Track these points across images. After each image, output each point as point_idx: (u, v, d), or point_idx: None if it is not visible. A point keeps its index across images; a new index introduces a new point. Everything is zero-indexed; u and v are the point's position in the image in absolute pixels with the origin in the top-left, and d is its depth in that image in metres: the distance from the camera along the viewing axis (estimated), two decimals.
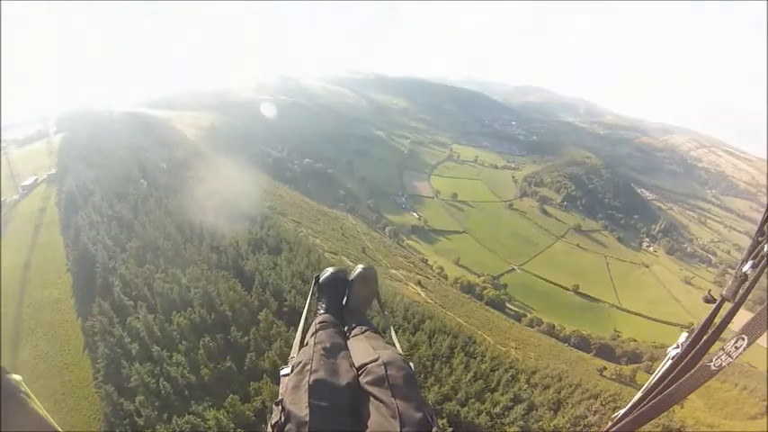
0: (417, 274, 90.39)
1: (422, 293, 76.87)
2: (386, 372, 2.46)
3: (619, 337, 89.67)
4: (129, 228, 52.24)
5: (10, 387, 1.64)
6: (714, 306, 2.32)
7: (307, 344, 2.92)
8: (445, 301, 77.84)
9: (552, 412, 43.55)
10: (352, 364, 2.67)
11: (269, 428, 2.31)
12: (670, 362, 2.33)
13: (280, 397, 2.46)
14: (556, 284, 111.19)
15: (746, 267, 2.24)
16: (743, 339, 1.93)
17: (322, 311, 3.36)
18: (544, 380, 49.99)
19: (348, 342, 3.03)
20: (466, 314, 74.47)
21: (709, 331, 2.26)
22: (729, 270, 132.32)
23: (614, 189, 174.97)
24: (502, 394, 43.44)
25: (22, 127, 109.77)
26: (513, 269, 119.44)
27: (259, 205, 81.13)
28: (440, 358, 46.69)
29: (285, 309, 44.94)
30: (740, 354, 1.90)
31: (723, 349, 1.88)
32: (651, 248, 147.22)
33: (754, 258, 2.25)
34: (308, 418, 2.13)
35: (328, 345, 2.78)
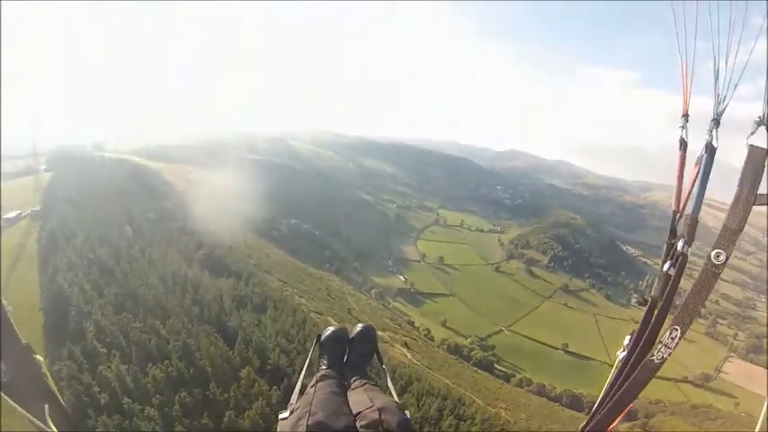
0: (404, 335, 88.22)
1: (408, 355, 74.83)
2: (380, 416, 2.55)
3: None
4: (110, 274, 50.31)
5: (34, 364, 1.90)
6: (647, 307, 2.66)
7: (307, 393, 2.99)
8: (432, 363, 75.85)
9: None
10: (350, 411, 2.74)
11: None
12: (620, 365, 2.56)
13: None
14: (544, 344, 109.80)
15: (666, 267, 2.64)
16: (676, 330, 2.33)
17: (324, 367, 3.43)
18: None
19: (348, 393, 3.11)
20: (454, 375, 72.42)
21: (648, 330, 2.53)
22: (719, 320, 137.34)
23: (600, 248, 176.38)
24: None
25: (14, 161, 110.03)
26: (501, 330, 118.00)
27: (245, 262, 79.98)
28: (428, 421, 44.54)
29: (268, 367, 43.00)
30: (677, 342, 2.31)
31: (661, 342, 2.27)
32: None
33: (671, 258, 2.63)
34: None
35: (328, 393, 2.88)
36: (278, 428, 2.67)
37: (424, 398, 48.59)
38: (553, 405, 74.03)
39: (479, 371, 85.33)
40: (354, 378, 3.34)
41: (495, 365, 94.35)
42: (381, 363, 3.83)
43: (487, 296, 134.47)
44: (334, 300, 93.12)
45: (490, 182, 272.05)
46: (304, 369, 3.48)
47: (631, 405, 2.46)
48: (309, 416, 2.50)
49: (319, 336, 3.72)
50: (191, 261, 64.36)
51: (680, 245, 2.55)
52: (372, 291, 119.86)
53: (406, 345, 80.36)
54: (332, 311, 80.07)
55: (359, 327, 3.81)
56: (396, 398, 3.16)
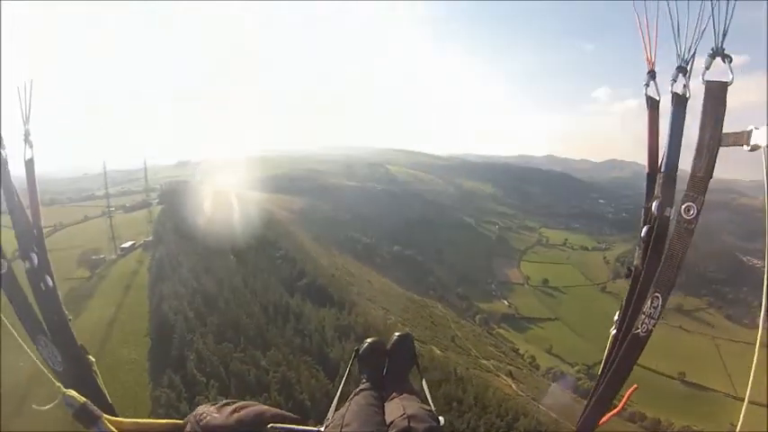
0: (508, 364, 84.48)
1: (513, 385, 71.81)
2: (409, 424, 2.53)
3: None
4: (213, 302, 51.23)
5: (86, 363, 1.94)
6: (631, 278, 2.51)
7: (343, 406, 2.89)
8: (537, 394, 71.62)
9: None
10: (383, 421, 2.73)
11: None
12: (611, 343, 2.46)
13: None
14: (658, 373, 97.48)
15: (644, 232, 2.48)
16: (657, 297, 2.21)
17: (364, 380, 3.39)
18: None
19: (385, 404, 3.07)
20: (559, 407, 68.68)
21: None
22: None
23: (716, 261, 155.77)
24: None
25: (131, 196, 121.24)
26: None
27: (347, 290, 79.86)
28: None
29: None
30: (660, 311, 2.18)
31: (644, 313, 2.14)
32: None
33: (648, 223, 2.47)
34: None
35: (363, 405, 2.85)
36: None
37: None
38: None
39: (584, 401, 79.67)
40: (393, 390, 3.29)
41: None
42: (420, 372, 3.80)
43: (594, 319, 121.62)
44: (438, 327, 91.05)
45: (592, 196, 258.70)
46: (341, 384, 3.44)
47: (634, 390, 2.47)
48: (342, 427, 2.50)
49: (357, 350, 3.69)
50: (293, 290, 64.61)
51: (654, 206, 2.46)
52: (476, 317, 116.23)
53: (510, 374, 77.11)
54: (435, 340, 78.45)
55: (395, 336, 3.80)
56: (431, 405, 3.08)
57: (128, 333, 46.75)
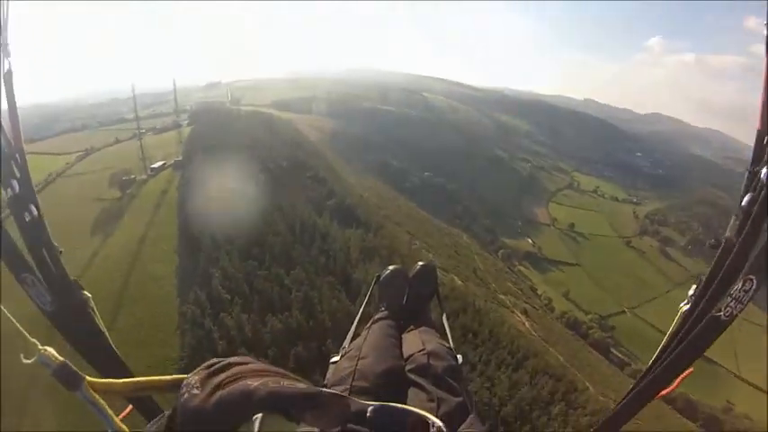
0: (525, 302, 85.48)
1: (527, 324, 72.52)
2: (428, 360, 2.49)
3: (731, 410, 77.03)
4: (240, 221, 50.61)
5: (81, 300, 1.76)
6: (718, 251, 2.16)
7: (360, 336, 2.88)
8: (549, 336, 72.74)
9: None
10: (401, 354, 2.69)
11: None
12: (681, 319, 2.15)
13: (324, 382, 2.45)
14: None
15: (745, 201, 2.13)
16: (751, 281, 1.87)
17: (383, 308, 3.36)
18: None
19: (403, 336, 3.04)
20: (568, 353, 69.09)
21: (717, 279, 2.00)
22: None
23: None
24: None
25: (161, 118, 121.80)
26: (624, 312, 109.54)
27: (375, 213, 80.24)
28: (539, 404, 41.94)
29: None
30: (751, 297, 1.84)
31: (731, 295, 1.78)
32: None
33: (753, 191, 2.11)
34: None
35: (381, 335, 2.82)
36: (327, 373, 2.61)
37: (538, 376, 46.17)
38: (665, 407, 68.31)
39: (595, 352, 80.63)
40: (412, 321, 3.26)
41: (612, 349, 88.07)
42: (441, 305, 3.76)
43: (615, 272, 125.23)
44: (461, 257, 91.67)
45: (629, 147, 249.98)
46: (360, 312, 3.38)
47: (691, 370, 2.07)
48: (358, 360, 2.44)
49: (378, 276, 3.64)
50: (320, 210, 64.56)
51: (765, 173, 2.06)
52: (500, 251, 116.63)
53: (525, 312, 77.94)
54: (457, 269, 79.01)
55: (418, 265, 3.71)
56: (450, 342, 3.06)
57: (157, 250, 47.79)
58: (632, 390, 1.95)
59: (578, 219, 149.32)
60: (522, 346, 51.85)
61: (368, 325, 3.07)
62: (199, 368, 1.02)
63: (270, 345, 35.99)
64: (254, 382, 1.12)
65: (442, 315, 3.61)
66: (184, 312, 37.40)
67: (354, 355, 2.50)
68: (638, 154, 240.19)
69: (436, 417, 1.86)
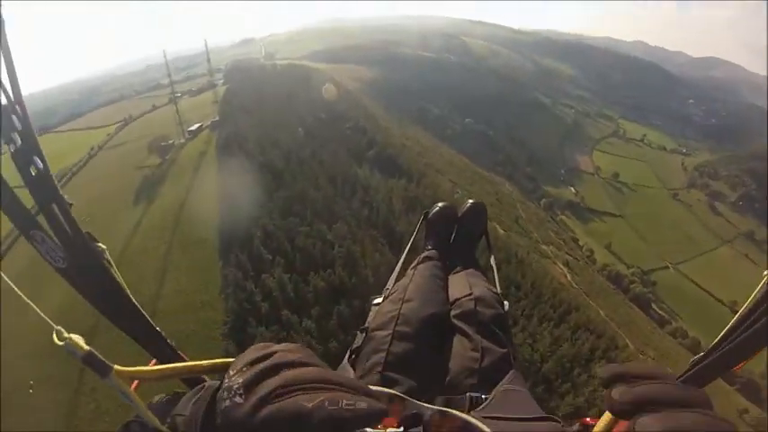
0: (567, 253, 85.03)
1: (568, 276, 71.93)
2: (475, 307, 2.42)
3: None
4: (280, 177, 50.15)
5: (95, 253, 1.53)
6: None
7: (406, 275, 2.82)
8: (590, 289, 72.01)
9: None
10: (447, 299, 2.62)
11: (347, 354, 2.20)
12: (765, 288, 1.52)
13: (366, 324, 2.37)
14: (711, 295, 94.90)
15: None
16: None
17: (429, 247, 3.25)
18: None
19: (450, 277, 2.97)
20: (609, 307, 68.09)
21: None
22: None
23: None
24: None
25: (195, 80, 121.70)
26: (667, 267, 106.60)
27: (417, 161, 79.16)
28: (579, 361, 41.30)
29: None
30: None
31: None
32: None
33: None
34: (387, 345, 2.07)
35: (427, 277, 2.74)
36: (369, 316, 2.52)
37: (579, 332, 45.62)
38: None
39: (635, 307, 79.38)
40: (458, 261, 3.20)
41: (653, 305, 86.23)
42: (489, 245, 3.64)
43: (659, 225, 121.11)
44: (503, 206, 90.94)
45: (681, 93, 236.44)
46: (406, 249, 3.29)
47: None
48: (403, 303, 2.38)
49: (426, 212, 3.51)
50: (361, 161, 63.96)
51: None
52: (542, 200, 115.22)
53: (567, 264, 77.27)
54: (499, 218, 78.27)
55: (468, 203, 3.55)
56: (498, 287, 2.93)
57: (199, 213, 47.25)
58: (700, 362, 1.57)
59: (623, 168, 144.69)
60: (563, 299, 51.24)
61: (414, 264, 3.00)
62: (241, 363, 0.88)
63: (313, 304, 35.58)
64: (309, 402, 0.84)
65: (490, 257, 3.51)
66: (226, 275, 37.29)
67: (399, 298, 2.44)
68: (691, 101, 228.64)
69: (479, 367, 2.05)
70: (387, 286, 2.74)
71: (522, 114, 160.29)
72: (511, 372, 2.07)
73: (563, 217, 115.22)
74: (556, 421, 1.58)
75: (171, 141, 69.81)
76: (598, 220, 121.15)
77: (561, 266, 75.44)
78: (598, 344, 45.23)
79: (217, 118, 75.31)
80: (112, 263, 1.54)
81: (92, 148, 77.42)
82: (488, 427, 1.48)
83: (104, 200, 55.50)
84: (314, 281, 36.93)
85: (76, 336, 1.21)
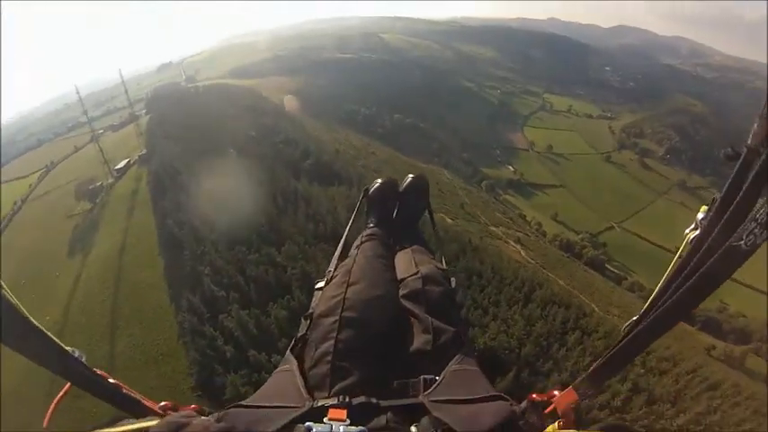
0: (516, 230, 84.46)
1: (522, 252, 72.14)
2: (423, 286, 2.38)
3: (726, 309, 77.61)
4: (219, 204, 46.57)
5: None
6: (738, 163, 1.53)
7: (350, 255, 2.75)
8: (546, 261, 71.86)
9: (672, 406, 36.10)
10: (394, 278, 2.56)
11: (291, 343, 2.15)
12: (690, 248, 1.64)
13: (310, 310, 2.32)
14: (657, 245, 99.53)
15: None
16: None
17: (371, 225, 3.21)
18: (660, 364, 41.49)
19: (395, 255, 2.92)
20: (567, 276, 68.04)
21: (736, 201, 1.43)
22: None
23: (725, 141, 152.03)
24: (620, 382, 35.66)
25: (117, 113, 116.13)
26: (613, 227, 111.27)
27: (353, 165, 77.73)
28: (555, 336, 39.68)
29: None
30: None
31: (755, 220, 1.35)
32: None
33: None
34: (335, 333, 1.99)
35: (371, 257, 2.65)
36: (312, 300, 2.43)
37: (548, 308, 43.59)
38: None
39: (590, 270, 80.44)
40: (403, 238, 3.13)
41: (607, 265, 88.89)
42: (433, 221, 3.62)
43: (598, 189, 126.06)
44: (446, 195, 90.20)
45: (598, 62, 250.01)
46: (347, 229, 3.19)
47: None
48: (348, 286, 2.24)
49: (367, 189, 3.48)
50: (298, 173, 61.42)
51: None
52: (482, 183, 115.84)
53: (519, 241, 76.82)
54: (445, 208, 77.54)
55: (409, 178, 3.55)
56: (443, 262, 2.93)
57: (140, 256, 44.49)
58: (636, 327, 1.52)
59: (555, 140, 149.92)
60: (525, 278, 50.75)
61: (356, 243, 2.87)
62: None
63: (279, 336, 33.01)
64: None
65: (434, 232, 3.51)
66: (181, 322, 34.59)
67: (343, 281, 2.30)
68: (607, 68, 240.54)
69: (432, 348, 2.04)
70: (329, 268, 2.65)
71: (450, 102, 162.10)
72: (461, 350, 2.01)
73: (506, 196, 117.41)
74: (505, 400, 1.61)
75: (99, 183, 65.51)
76: (540, 193, 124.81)
77: (514, 245, 75.47)
78: (568, 315, 43.87)
79: (144, 151, 70.93)
80: (7, 290, 1.50)
81: (15, 203, 72.06)
82: (436, 412, 1.53)
83: (37, 257, 51.71)
84: (274, 311, 34.67)
85: None
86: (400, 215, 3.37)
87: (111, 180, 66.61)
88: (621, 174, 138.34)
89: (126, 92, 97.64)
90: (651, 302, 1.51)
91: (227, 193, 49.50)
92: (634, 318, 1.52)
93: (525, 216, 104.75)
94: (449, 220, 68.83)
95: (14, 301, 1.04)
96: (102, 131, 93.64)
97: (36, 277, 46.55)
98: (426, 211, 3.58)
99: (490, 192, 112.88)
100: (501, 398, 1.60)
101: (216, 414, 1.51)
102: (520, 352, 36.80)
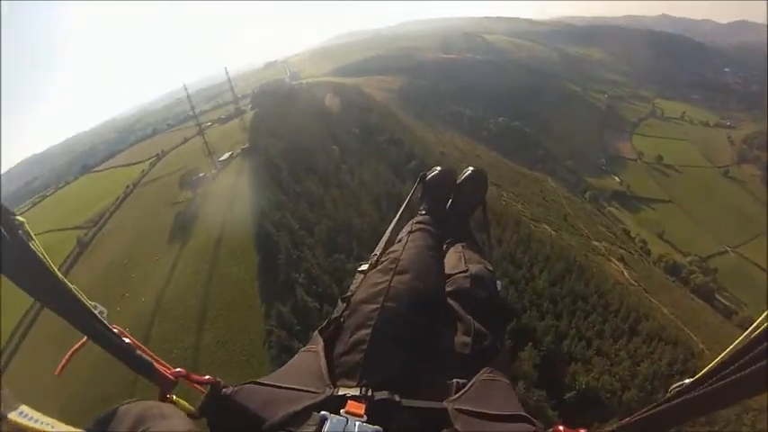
0: (620, 247, 79.15)
1: (625, 272, 67.97)
2: (470, 285, 2.32)
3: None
4: (320, 205, 45.38)
5: (12, 226, 1.43)
6: None
7: (399, 241, 2.63)
8: (649, 284, 65.93)
9: None
10: (442, 272, 2.48)
11: (324, 323, 2.05)
12: None
13: (349, 293, 2.23)
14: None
15: None
16: None
17: (423, 212, 3.08)
18: None
19: (445, 248, 2.86)
20: (671, 303, 61.86)
21: None
22: None
23: None
24: None
25: (226, 107, 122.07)
26: (726, 251, 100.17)
27: (458, 168, 76.38)
28: (659, 378, 38.37)
29: None
30: None
31: None
32: None
33: None
34: (374, 321, 1.90)
35: (421, 247, 2.53)
36: (353, 283, 2.30)
37: (654, 343, 39.39)
38: None
39: (697, 299, 72.76)
40: (454, 231, 3.02)
41: (716, 295, 79.58)
42: (486, 218, 3.42)
43: (712, 206, 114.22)
44: (549, 204, 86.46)
45: (715, 63, 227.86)
46: (399, 214, 2.97)
47: None
48: (394, 274, 2.13)
49: (424, 175, 3.35)
50: (403, 176, 58.21)
51: None
52: (587, 193, 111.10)
53: (622, 259, 71.93)
54: (547, 218, 74.37)
55: (469, 170, 3.40)
56: (490, 263, 2.72)
57: (235, 250, 43.78)
58: (687, 393, 1.20)
59: (666, 150, 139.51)
60: (631, 306, 47.58)
61: (407, 229, 2.75)
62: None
63: None
64: None
65: (486, 231, 3.32)
66: (269, 331, 32.49)
67: (390, 268, 2.20)
68: (727, 70, 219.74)
69: (469, 352, 1.98)
70: (375, 252, 2.54)
71: (555, 106, 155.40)
72: (495, 359, 1.95)
73: (611, 208, 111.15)
74: (530, 422, 1.59)
75: (202, 174, 66.99)
76: (647, 207, 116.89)
77: (617, 263, 72.04)
78: (675, 355, 39.71)
79: (246, 145, 72.50)
80: (32, 235, 1.43)
81: (127, 186, 77.36)
82: (459, 423, 1.49)
83: (140, 239, 54.47)
84: None
85: None
86: (454, 207, 3.28)
87: (213, 171, 68.54)
88: (741, 191, 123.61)
89: (231, 88, 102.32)
90: (715, 368, 0.97)
91: (328, 193, 48.86)
92: (687, 381, 1.21)
93: (629, 232, 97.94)
94: (552, 232, 66.24)
95: (44, 254, 1.29)
96: (209, 124, 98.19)
97: (137, 258, 48.57)
98: (481, 207, 3.47)
99: (594, 203, 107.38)
100: (527, 420, 1.56)
101: (231, 388, 1.52)
102: (622, 395, 35.05)
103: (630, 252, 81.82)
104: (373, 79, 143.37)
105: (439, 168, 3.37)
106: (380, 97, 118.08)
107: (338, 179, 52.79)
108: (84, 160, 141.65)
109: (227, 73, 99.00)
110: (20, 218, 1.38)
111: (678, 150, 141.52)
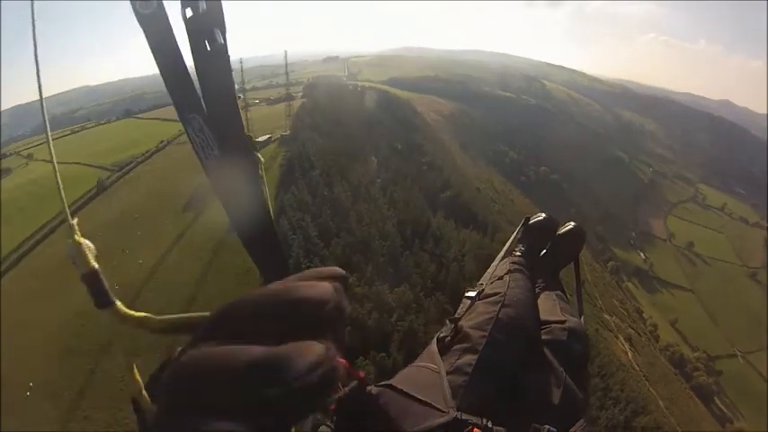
0: (629, 326, 77.84)
1: (629, 354, 66.98)
2: (567, 338, 2.38)
3: None
4: (343, 217, 43.56)
5: (252, 163, 1.54)
6: None
7: (501, 278, 2.66)
8: (651, 372, 65.67)
9: None
10: (538, 317, 2.52)
11: (434, 341, 2.16)
12: None
13: (457, 315, 2.35)
14: None
15: None
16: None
17: (518, 253, 3.11)
18: None
19: (536, 293, 2.88)
20: (669, 397, 62.11)
21: None
22: None
23: None
24: None
25: (277, 89, 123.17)
26: (735, 355, 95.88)
27: (490, 209, 73.72)
28: None
29: None
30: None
31: None
32: None
33: None
34: (481, 347, 2.00)
35: (523, 288, 2.61)
36: (460, 308, 2.41)
37: None
38: None
39: (695, 399, 71.71)
40: (543, 276, 3.08)
41: (715, 398, 77.81)
42: (578, 275, 3.43)
43: (732, 306, 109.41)
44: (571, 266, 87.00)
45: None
46: (503, 251, 3.05)
47: None
48: (502, 306, 2.24)
49: (528, 218, 3.39)
50: (435, 204, 57.85)
51: None
52: (609, 263, 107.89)
53: (629, 339, 70.73)
54: (564, 280, 75.34)
55: (570, 225, 3.46)
56: (582, 318, 2.87)
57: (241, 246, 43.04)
58: None
59: (699, 238, 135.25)
60: (631, 395, 45.55)
61: (505, 269, 2.77)
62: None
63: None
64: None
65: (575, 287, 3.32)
66: None
67: (498, 301, 2.31)
68: None
69: (558, 404, 2.01)
70: (481, 281, 2.63)
71: (598, 168, 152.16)
72: (581, 420, 1.98)
73: (629, 284, 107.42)
74: None
75: None
76: (666, 291, 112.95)
77: (623, 342, 71.00)
78: None
79: (287, 132, 72.10)
80: (264, 178, 1.36)
81: (161, 141, 77.67)
82: None
83: (157, 199, 54.36)
84: (365, 366, 29.59)
85: (90, 245, 0.97)
86: (549, 256, 3.33)
87: None
88: (764, 297, 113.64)
89: (287, 72, 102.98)
90: None
91: (355, 206, 47.25)
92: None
93: (642, 312, 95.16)
94: (567, 295, 66.42)
95: (267, 197, 1.28)
96: (257, 101, 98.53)
97: (148, 216, 48.24)
98: (573, 263, 3.52)
99: (614, 274, 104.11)
100: None
101: (372, 387, 1.50)
102: None
103: (639, 333, 79.92)
104: (426, 98, 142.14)
105: (543, 215, 3.44)
106: (430, 119, 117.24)
107: (369, 193, 51.80)
108: (129, 104, 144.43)
109: (285, 57, 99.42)
110: (259, 156, 1.58)
111: (711, 240, 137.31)
